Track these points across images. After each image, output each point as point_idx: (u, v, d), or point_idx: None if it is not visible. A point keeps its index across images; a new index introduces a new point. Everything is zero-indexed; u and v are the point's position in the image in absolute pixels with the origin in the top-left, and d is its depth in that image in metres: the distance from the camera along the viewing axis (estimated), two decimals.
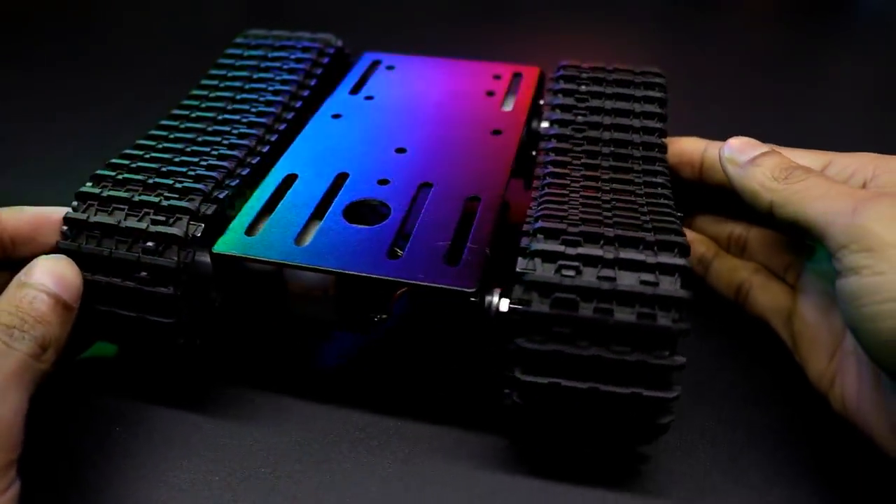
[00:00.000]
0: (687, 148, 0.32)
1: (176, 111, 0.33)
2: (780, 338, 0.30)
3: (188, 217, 0.26)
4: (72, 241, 0.27)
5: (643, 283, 0.23)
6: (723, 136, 0.30)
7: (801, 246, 0.30)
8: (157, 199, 0.27)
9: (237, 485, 0.26)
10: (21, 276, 0.25)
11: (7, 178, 0.45)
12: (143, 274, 0.26)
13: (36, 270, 0.25)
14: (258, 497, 0.26)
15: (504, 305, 0.26)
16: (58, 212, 0.28)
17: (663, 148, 0.31)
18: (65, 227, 0.27)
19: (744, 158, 0.28)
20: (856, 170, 0.27)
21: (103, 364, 0.31)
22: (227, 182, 0.29)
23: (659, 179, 0.29)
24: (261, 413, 0.29)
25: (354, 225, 0.27)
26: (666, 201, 0.28)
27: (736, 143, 0.29)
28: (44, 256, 0.25)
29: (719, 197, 0.31)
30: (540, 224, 0.25)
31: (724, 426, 0.28)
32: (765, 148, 0.28)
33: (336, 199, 0.29)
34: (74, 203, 0.27)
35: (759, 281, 0.32)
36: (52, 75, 0.58)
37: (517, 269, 0.24)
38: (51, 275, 0.25)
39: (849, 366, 0.26)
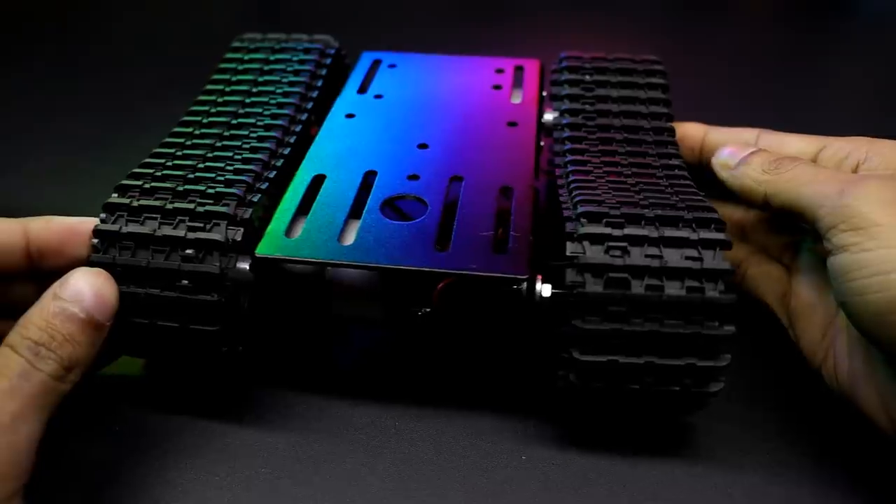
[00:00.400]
0: (688, 132, 0.34)
1: (186, 118, 0.33)
2: (776, 316, 0.31)
3: (226, 222, 0.26)
4: (104, 253, 0.26)
5: (688, 258, 0.24)
6: None
7: (796, 229, 0.32)
8: (191, 206, 0.26)
9: (237, 485, 0.26)
10: (56, 288, 0.24)
11: (7, 179, 0.43)
12: (185, 282, 0.26)
13: (72, 284, 0.24)
14: (258, 497, 0.26)
15: (547, 291, 0.26)
16: (87, 223, 0.27)
17: (672, 131, 0.32)
18: (95, 240, 0.26)
19: (735, 160, 0.30)
20: (849, 153, 0.29)
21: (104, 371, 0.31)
22: (257, 185, 0.28)
23: (674, 161, 0.31)
24: (261, 413, 0.29)
25: (394, 221, 0.27)
26: (686, 181, 0.29)
27: (726, 149, 0.31)
28: (81, 269, 0.24)
29: (718, 181, 0.32)
30: (582, 209, 0.26)
31: (724, 424, 0.29)
32: (753, 148, 0.30)
33: (370, 196, 0.29)
34: (103, 215, 0.27)
35: (757, 262, 0.33)
36: (52, 75, 0.56)
37: (567, 254, 0.25)
38: (88, 289, 0.24)
39: (841, 342, 0.27)
